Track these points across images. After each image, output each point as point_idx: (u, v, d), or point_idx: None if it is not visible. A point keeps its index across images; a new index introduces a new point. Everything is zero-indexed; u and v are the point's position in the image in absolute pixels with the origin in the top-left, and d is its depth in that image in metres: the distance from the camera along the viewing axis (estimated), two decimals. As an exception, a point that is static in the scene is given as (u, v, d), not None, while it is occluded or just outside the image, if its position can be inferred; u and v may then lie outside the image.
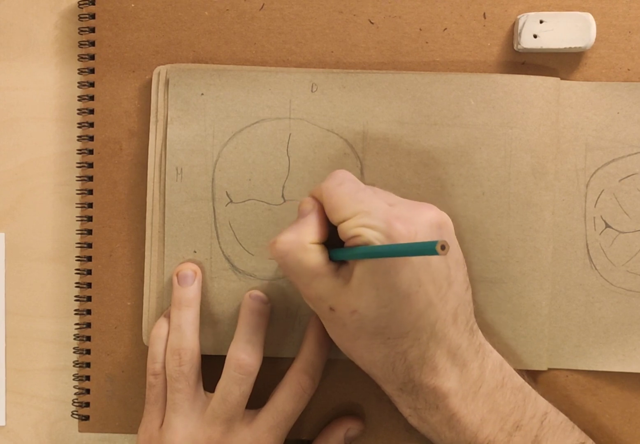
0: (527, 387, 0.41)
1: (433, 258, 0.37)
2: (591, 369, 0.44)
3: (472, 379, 0.39)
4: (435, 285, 0.37)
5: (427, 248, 0.31)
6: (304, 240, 0.38)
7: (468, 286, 0.40)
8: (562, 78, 0.44)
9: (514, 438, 0.39)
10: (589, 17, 0.43)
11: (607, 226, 0.44)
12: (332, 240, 0.39)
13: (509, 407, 0.40)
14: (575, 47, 0.43)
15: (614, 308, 0.44)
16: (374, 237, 0.36)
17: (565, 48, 0.43)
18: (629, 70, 0.44)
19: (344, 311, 0.37)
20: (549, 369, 0.45)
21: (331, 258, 0.38)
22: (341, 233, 0.37)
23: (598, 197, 0.44)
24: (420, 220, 0.37)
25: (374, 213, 0.36)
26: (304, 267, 0.38)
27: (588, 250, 0.44)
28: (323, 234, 0.39)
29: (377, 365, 0.39)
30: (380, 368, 0.39)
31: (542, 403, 0.41)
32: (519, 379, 0.41)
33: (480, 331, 0.41)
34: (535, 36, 0.43)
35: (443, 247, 0.30)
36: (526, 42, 0.43)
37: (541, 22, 0.43)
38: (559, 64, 0.44)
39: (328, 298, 0.38)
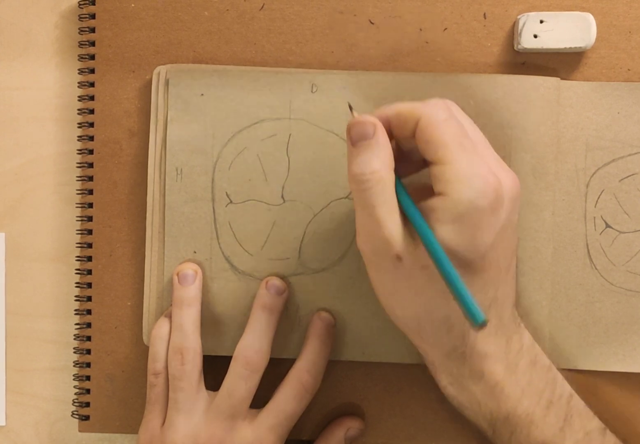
0: (554, 369, 0.41)
1: (522, 228, 0.38)
2: (591, 369, 0.44)
3: (515, 351, 0.39)
4: (506, 258, 0.38)
5: (474, 315, 0.33)
6: (383, 169, 0.35)
7: None
8: (562, 78, 0.44)
9: (549, 412, 0.39)
10: (589, 17, 0.43)
11: (607, 226, 0.44)
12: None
13: (542, 383, 0.39)
14: (575, 47, 0.43)
15: (614, 308, 0.44)
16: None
17: (565, 48, 0.43)
18: (629, 70, 0.44)
19: (414, 264, 0.35)
20: (549, 369, 0.45)
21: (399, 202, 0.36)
22: (433, 177, 0.36)
23: (598, 197, 0.44)
24: (509, 188, 0.37)
25: (475, 170, 0.35)
26: (382, 199, 0.35)
27: (588, 250, 0.44)
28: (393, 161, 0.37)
29: (434, 324, 0.37)
30: (435, 329, 0.38)
31: (567, 386, 0.41)
32: (547, 360, 0.41)
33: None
34: (535, 36, 0.43)
35: (484, 325, 0.33)
36: (526, 42, 0.43)
37: (541, 22, 0.43)
38: (559, 63, 0.44)
39: (397, 245, 0.35)
